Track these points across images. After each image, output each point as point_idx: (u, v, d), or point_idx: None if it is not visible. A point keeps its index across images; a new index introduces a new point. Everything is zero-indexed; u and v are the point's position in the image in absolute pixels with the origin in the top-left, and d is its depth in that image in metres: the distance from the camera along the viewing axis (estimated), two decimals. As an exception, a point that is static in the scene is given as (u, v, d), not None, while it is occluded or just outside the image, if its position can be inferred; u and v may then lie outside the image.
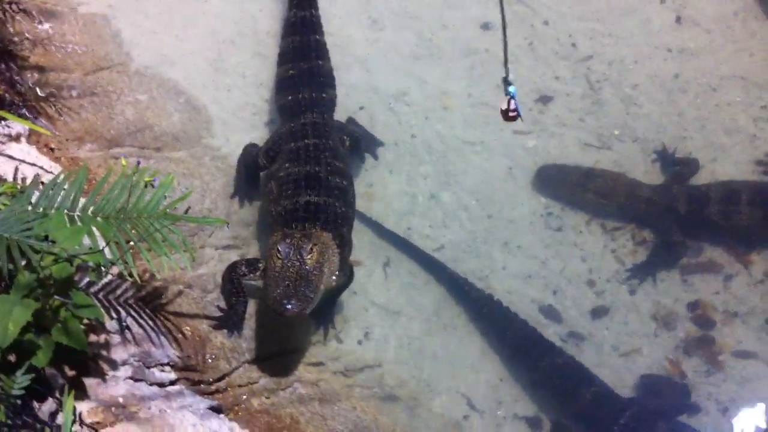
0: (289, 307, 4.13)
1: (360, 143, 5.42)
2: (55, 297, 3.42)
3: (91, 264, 3.64)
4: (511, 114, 3.53)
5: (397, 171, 5.47)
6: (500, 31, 5.73)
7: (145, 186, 3.58)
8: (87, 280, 3.94)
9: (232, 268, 4.63)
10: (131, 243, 3.66)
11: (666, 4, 6.08)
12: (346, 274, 4.76)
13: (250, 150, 5.24)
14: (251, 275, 4.59)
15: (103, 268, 3.59)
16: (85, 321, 3.78)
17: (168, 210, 3.78)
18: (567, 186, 5.40)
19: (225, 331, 4.51)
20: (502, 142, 5.56)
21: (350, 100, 5.66)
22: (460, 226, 5.29)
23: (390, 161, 5.49)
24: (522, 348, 4.85)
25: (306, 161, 4.88)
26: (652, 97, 5.72)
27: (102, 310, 3.60)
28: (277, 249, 4.32)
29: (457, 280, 5.06)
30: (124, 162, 4.03)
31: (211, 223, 4.37)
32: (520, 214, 5.36)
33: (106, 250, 3.59)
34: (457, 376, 4.84)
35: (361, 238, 5.12)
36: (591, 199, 5.36)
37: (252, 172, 5.19)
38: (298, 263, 4.26)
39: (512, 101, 3.51)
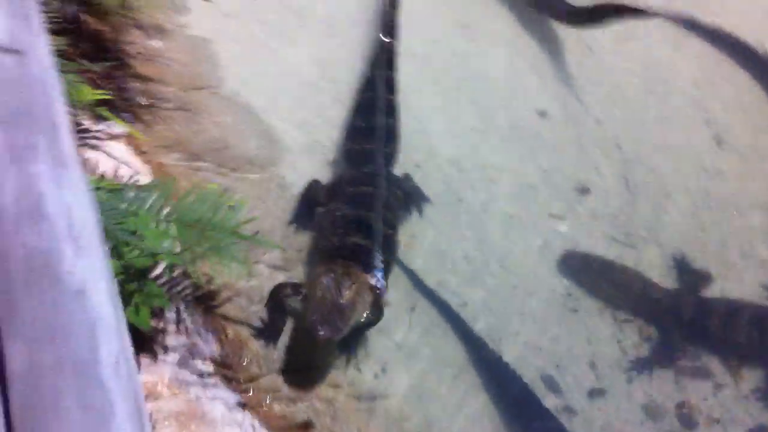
0: (321, 332, 4.68)
1: (411, 198, 5.99)
2: (132, 283, 4.02)
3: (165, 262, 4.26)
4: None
5: (438, 228, 5.97)
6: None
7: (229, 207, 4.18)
8: (157, 272, 4.54)
9: (279, 288, 5.20)
10: (200, 250, 4.26)
11: (710, 127, 6.57)
12: (377, 314, 5.31)
13: (312, 185, 5.83)
14: (293, 297, 5.16)
15: (174, 266, 4.20)
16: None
17: (237, 228, 4.41)
18: (588, 273, 5.88)
19: (262, 341, 5.08)
20: (537, 222, 6.07)
21: (408, 158, 6.23)
22: (485, 289, 5.78)
23: (434, 218, 6.00)
24: (519, 405, 5.33)
25: (361, 206, 5.46)
26: (680, 209, 6.19)
27: (167, 300, 4.19)
28: (321, 281, 4.89)
29: (473, 336, 5.55)
30: (215, 185, 4.68)
31: (268, 246, 4.94)
32: (542, 289, 5.83)
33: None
34: (456, 422, 5.31)
35: (394, 282, 5.65)
36: (607, 290, 5.83)
37: (310, 206, 5.77)
38: (336, 296, 4.82)
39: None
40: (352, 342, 5.31)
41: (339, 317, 4.75)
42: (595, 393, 5.51)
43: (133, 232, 4.06)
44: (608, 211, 6.17)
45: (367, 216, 5.41)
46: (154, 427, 3.97)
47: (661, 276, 5.95)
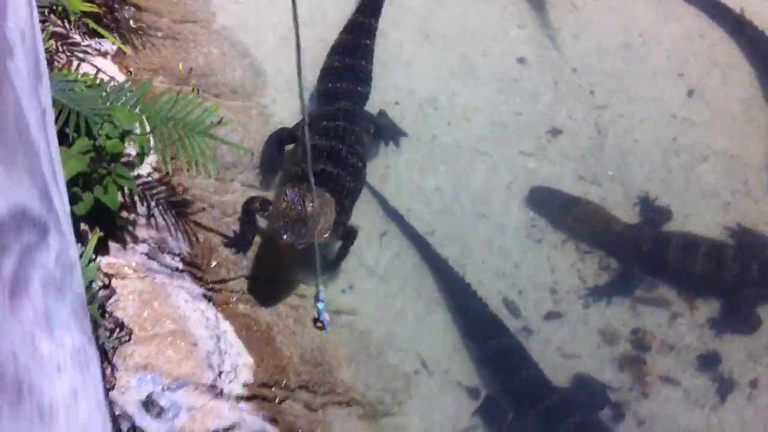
0: (285, 237, 4.87)
1: (382, 132, 6.23)
2: (104, 166, 4.28)
3: (136, 152, 4.52)
4: (318, 324, 4.42)
5: (412, 161, 6.20)
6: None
7: (192, 90, 4.44)
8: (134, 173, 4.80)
9: (249, 201, 5.45)
10: (173, 145, 4.53)
11: (683, 78, 6.77)
12: (340, 236, 5.49)
13: (280, 131, 6.00)
14: (262, 211, 5.41)
15: (144, 154, 4.44)
16: (121, 200, 4.64)
17: (208, 129, 4.67)
18: (553, 207, 6.09)
19: (233, 249, 5.33)
20: (508, 158, 6.29)
21: (388, 95, 6.46)
22: (454, 219, 6.00)
23: (409, 152, 6.24)
24: (479, 325, 5.55)
25: (333, 138, 5.70)
26: (648, 152, 6.38)
27: (134, 183, 4.45)
28: (285, 193, 5.07)
29: (438, 259, 5.77)
30: (181, 66, 4.92)
31: (238, 149, 5.16)
32: (508, 221, 6.04)
33: (151, 140, 4.47)
34: (418, 339, 5.52)
35: (367, 207, 5.88)
36: (570, 223, 6.03)
37: (279, 146, 5.93)
38: (300, 208, 5.00)
39: (321, 314, 4.41)
40: (325, 265, 5.53)
41: (303, 226, 4.96)
42: (552, 316, 5.71)
43: (108, 117, 4.32)
44: (577, 151, 6.37)
45: (337, 147, 5.64)
46: (118, 300, 4.22)
47: (624, 213, 6.14)
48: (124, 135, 4.17)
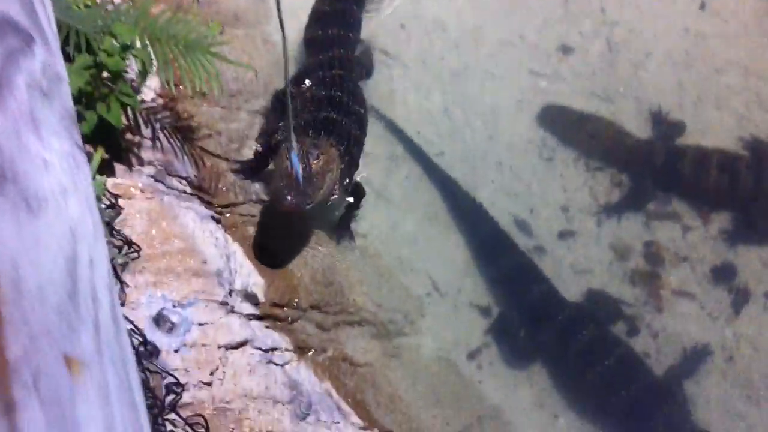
0: (289, 199, 4.50)
1: (372, 70, 6.13)
2: (106, 84, 4.23)
3: (137, 70, 4.47)
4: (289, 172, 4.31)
5: (419, 85, 6.12)
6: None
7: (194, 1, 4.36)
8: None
9: (270, 134, 5.36)
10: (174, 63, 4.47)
11: (694, -8, 6.64)
12: (348, 190, 5.31)
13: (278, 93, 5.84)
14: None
15: (146, 72, 4.39)
16: (125, 122, 4.60)
17: (210, 47, 4.60)
18: (564, 124, 6.01)
19: (240, 175, 5.26)
20: (517, 78, 6.19)
21: (394, 19, 6.35)
22: (463, 140, 5.94)
23: (415, 76, 6.16)
24: (490, 243, 5.51)
25: (331, 87, 5.55)
26: (660, 67, 6.27)
27: (137, 101, 4.40)
28: (287, 150, 4.60)
29: (448, 180, 5.72)
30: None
31: (240, 66, 5.06)
32: (519, 141, 5.97)
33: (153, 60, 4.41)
34: (429, 261, 5.51)
35: (375, 131, 5.81)
36: (582, 139, 5.96)
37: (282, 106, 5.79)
38: (304, 165, 4.65)
39: (294, 165, 4.27)
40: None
41: (307, 185, 4.60)
42: (565, 234, 5.67)
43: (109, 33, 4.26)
44: (589, 69, 6.27)
45: (337, 95, 5.48)
46: (125, 218, 4.20)
47: (637, 128, 6.05)
48: (124, 49, 4.10)
